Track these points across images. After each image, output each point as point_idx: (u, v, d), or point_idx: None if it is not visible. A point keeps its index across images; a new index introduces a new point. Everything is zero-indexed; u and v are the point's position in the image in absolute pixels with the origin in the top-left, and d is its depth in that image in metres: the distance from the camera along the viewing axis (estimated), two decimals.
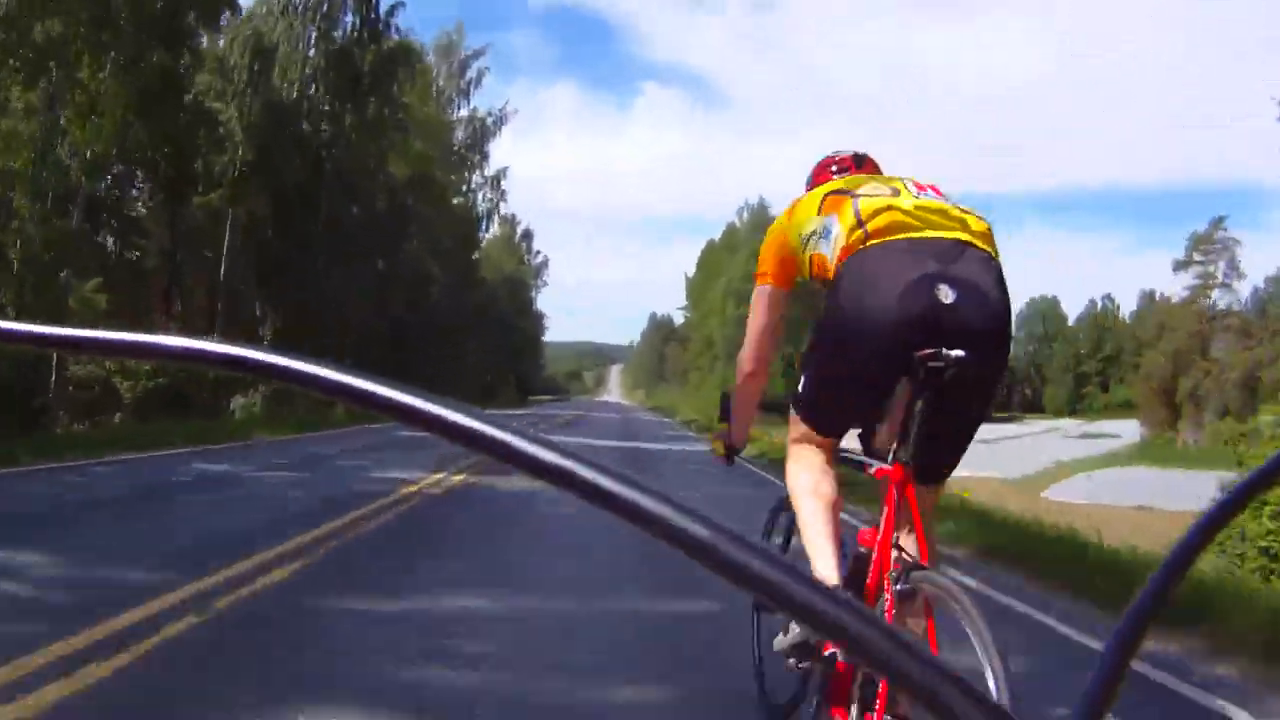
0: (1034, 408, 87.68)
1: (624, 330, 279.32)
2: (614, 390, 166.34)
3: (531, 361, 67.81)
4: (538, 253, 67.56)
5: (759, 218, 60.81)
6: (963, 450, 1.88)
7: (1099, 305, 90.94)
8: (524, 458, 0.26)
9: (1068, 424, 71.74)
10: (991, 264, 1.79)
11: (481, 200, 39.16)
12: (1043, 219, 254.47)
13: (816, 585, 0.25)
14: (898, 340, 1.69)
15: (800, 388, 1.95)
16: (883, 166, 2.21)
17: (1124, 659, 0.38)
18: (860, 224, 1.80)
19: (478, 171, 38.39)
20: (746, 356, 2.13)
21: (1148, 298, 75.59)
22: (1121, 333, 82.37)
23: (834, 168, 2.17)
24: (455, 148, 36.19)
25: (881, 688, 1.64)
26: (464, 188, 37.80)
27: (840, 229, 1.83)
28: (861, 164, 2.17)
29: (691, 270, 74.19)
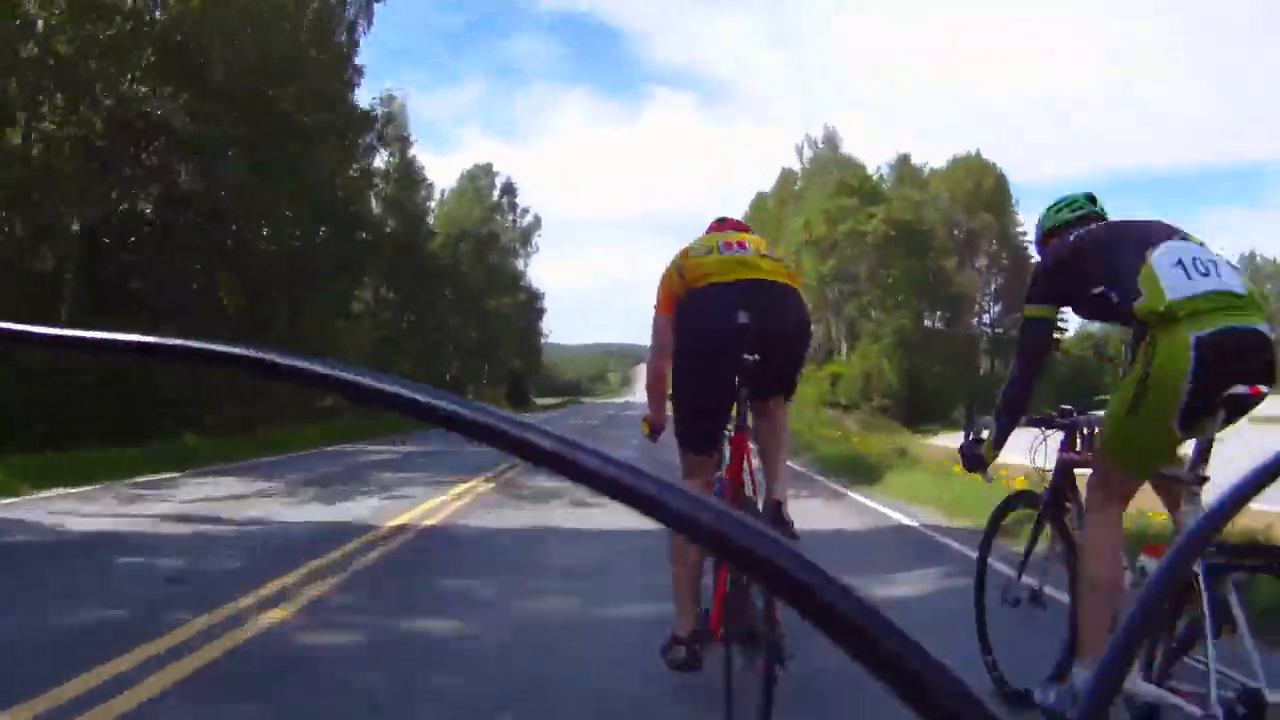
0: None
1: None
2: (641, 390, 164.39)
3: (528, 354, 52.47)
4: (525, 211, 50.91)
5: (824, 161, 50.72)
6: (784, 387, 2.81)
7: None
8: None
9: None
10: (777, 288, 2.67)
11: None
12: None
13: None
14: (723, 354, 2.54)
15: (677, 424, 2.78)
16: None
17: (1123, 660, 0.38)
18: (680, 276, 2.75)
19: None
20: (654, 371, 2.90)
21: None
22: None
23: (713, 225, 3.10)
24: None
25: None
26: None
27: (674, 281, 2.77)
28: (722, 224, 3.06)
29: None
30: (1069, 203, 2.61)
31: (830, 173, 48.78)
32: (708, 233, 3.02)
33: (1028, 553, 2.78)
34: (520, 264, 51.50)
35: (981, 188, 51.63)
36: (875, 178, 49.39)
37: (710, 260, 2.72)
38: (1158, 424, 2.03)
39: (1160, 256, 2.08)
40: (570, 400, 76.46)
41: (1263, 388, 2.03)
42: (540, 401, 56.51)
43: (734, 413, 2.69)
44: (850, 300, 46.16)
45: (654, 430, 3.02)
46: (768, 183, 62.37)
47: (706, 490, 2.68)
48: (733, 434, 2.73)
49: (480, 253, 43.08)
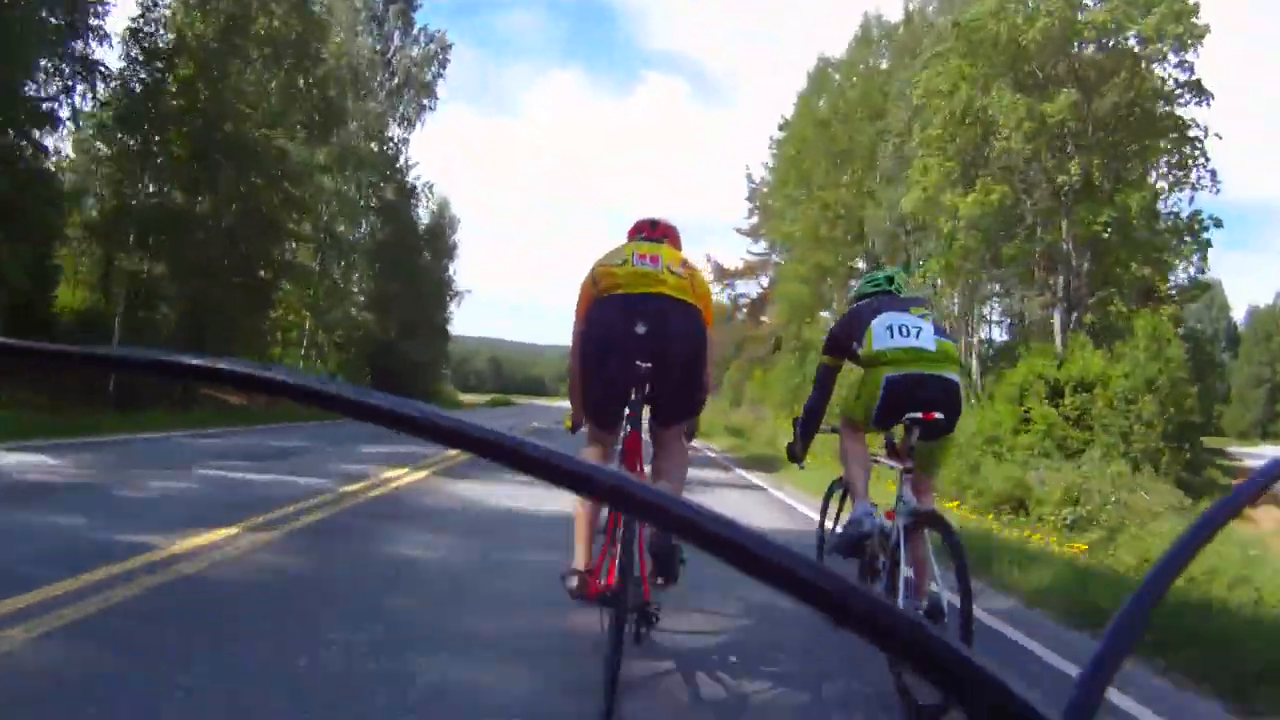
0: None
1: None
2: None
3: (427, 339, 35.59)
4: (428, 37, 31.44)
5: (859, 54, 29.24)
6: (678, 412, 3.06)
7: None
8: None
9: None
10: (678, 304, 2.89)
11: None
12: None
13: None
14: (619, 357, 2.81)
15: (580, 402, 3.04)
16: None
17: (1110, 668, 0.38)
18: (594, 282, 3.01)
19: None
20: (572, 372, 3.07)
21: None
22: None
23: (633, 229, 3.34)
24: None
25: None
26: None
27: (588, 288, 3.03)
28: (655, 228, 3.27)
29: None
30: (871, 280, 3.65)
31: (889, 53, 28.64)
32: (628, 236, 3.30)
33: (837, 513, 4.18)
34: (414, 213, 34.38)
35: None
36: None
37: (621, 271, 2.97)
38: (863, 416, 3.25)
39: (878, 322, 3.25)
40: (499, 400, 64.22)
41: (938, 415, 3.04)
42: (467, 399, 51.50)
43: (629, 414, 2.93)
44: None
45: (575, 425, 3.26)
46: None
47: (604, 460, 3.00)
48: (625, 434, 2.94)
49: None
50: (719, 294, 35.67)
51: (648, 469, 3.11)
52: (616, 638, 2.49)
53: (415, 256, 34.80)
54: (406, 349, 32.55)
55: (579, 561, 2.94)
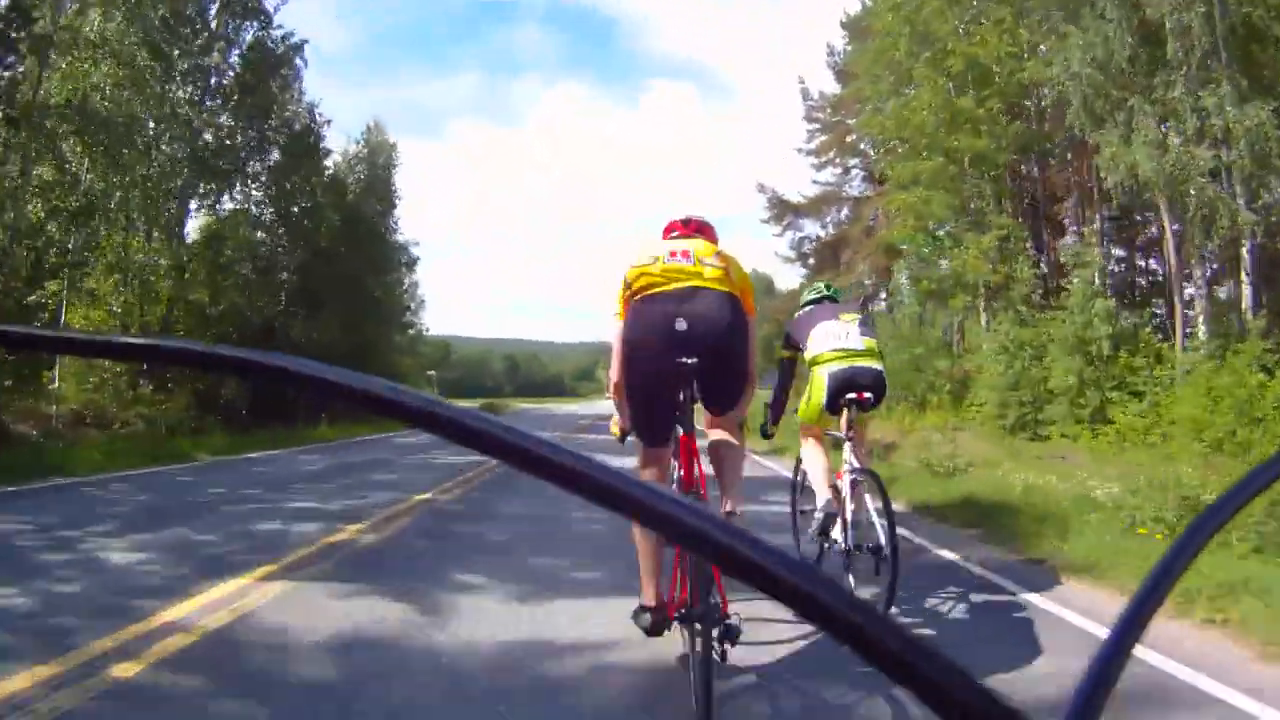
0: None
1: None
2: None
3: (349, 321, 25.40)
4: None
5: None
6: (729, 401, 3.03)
7: None
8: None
9: None
10: (718, 296, 2.85)
11: None
12: None
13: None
14: (663, 358, 2.76)
15: (630, 419, 3.01)
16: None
17: (1119, 657, 0.38)
18: (628, 285, 2.97)
19: None
20: (614, 378, 3.05)
21: None
22: None
23: (667, 229, 3.30)
24: None
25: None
26: None
27: (624, 291, 3.00)
28: (687, 225, 3.24)
29: None
30: (815, 290, 4.67)
31: None
32: (664, 234, 3.28)
33: (795, 499, 5.12)
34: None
35: None
36: None
37: (655, 269, 2.94)
38: (817, 408, 4.16)
39: (816, 331, 4.20)
40: (490, 406, 42.83)
41: (868, 395, 4.02)
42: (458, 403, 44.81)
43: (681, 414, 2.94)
44: None
45: (623, 433, 3.22)
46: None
47: (661, 479, 2.97)
48: (680, 434, 2.97)
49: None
50: (779, 234, 30.64)
51: (707, 470, 3.05)
52: (705, 655, 2.45)
53: (313, 183, 24.23)
54: (309, 334, 22.89)
55: (648, 597, 2.90)
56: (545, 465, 0.30)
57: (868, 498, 4.01)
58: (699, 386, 2.89)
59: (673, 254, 2.96)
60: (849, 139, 28.53)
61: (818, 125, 30.29)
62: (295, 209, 23.60)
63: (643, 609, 2.91)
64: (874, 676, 3.01)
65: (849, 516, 3.90)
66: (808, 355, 4.21)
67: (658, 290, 2.88)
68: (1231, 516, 0.45)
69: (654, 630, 2.87)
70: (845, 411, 4.06)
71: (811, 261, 29.75)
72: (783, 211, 30.04)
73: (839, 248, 29.01)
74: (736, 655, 2.88)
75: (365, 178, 30.14)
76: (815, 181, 29.53)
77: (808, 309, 4.45)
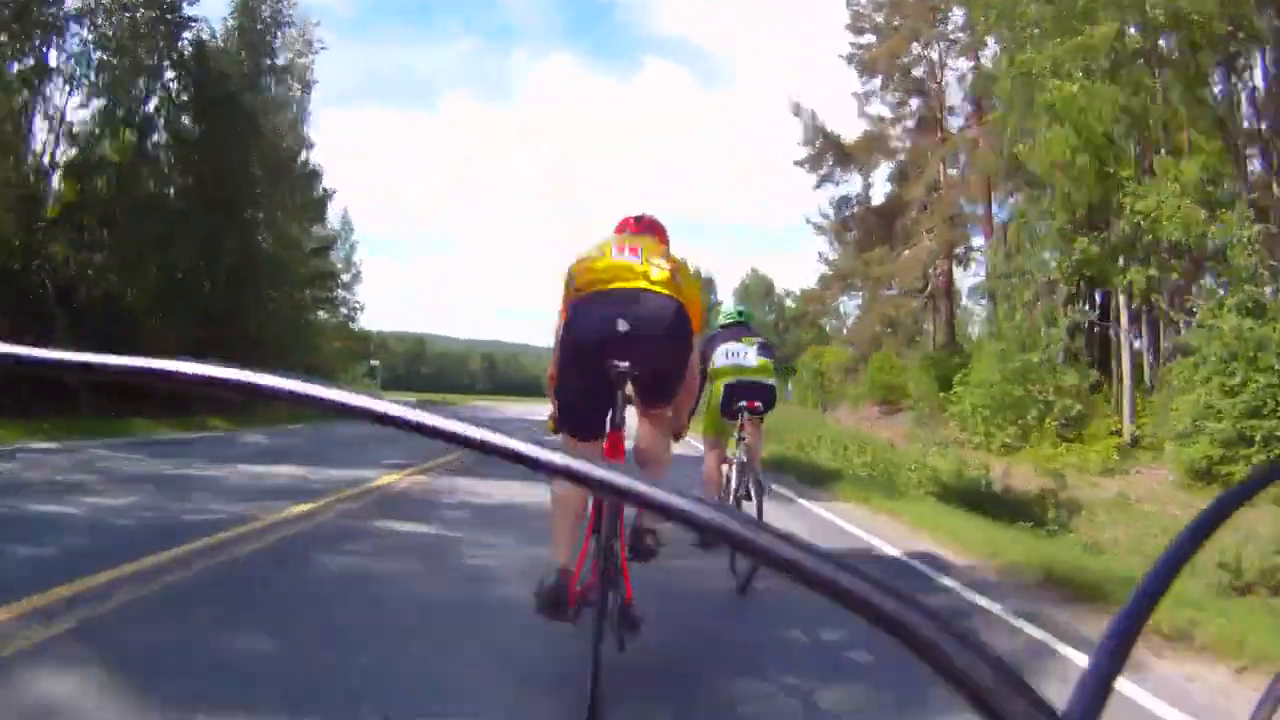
0: None
1: None
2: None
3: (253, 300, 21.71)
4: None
5: None
6: (663, 404, 2.98)
7: None
8: None
9: None
10: (663, 301, 2.75)
11: None
12: None
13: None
14: (597, 359, 2.68)
15: (558, 409, 2.95)
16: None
17: (1115, 664, 0.38)
18: (572, 279, 2.86)
19: None
20: (552, 366, 3.01)
21: None
22: None
23: (619, 225, 3.22)
24: None
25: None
26: None
27: (567, 288, 2.89)
28: (640, 222, 3.16)
29: None
30: (729, 314, 5.47)
31: None
32: (615, 232, 3.20)
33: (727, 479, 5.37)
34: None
35: None
36: None
37: (600, 264, 2.85)
38: (716, 417, 5.13)
39: (719, 351, 5.08)
40: (431, 401, 40.53)
41: (757, 404, 4.93)
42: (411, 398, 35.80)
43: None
44: None
45: (558, 428, 3.19)
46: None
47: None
48: (608, 430, 2.88)
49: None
50: (817, 189, 26.10)
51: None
52: (597, 646, 2.42)
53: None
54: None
55: (560, 555, 2.74)
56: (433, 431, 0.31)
57: (748, 482, 4.83)
58: (635, 388, 2.83)
59: (620, 248, 2.88)
60: (910, 53, 21.11)
61: (865, 36, 22.42)
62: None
63: (553, 572, 2.71)
64: (762, 667, 3.11)
65: (734, 492, 4.82)
66: (711, 370, 5.03)
67: (600, 288, 2.78)
68: (1229, 516, 0.45)
69: (550, 599, 2.66)
70: (739, 416, 4.95)
71: (853, 234, 23.53)
72: (823, 150, 23.96)
73: (891, 217, 22.77)
74: (635, 645, 2.79)
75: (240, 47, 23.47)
76: (867, 114, 22.76)
77: (718, 332, 5.32)
